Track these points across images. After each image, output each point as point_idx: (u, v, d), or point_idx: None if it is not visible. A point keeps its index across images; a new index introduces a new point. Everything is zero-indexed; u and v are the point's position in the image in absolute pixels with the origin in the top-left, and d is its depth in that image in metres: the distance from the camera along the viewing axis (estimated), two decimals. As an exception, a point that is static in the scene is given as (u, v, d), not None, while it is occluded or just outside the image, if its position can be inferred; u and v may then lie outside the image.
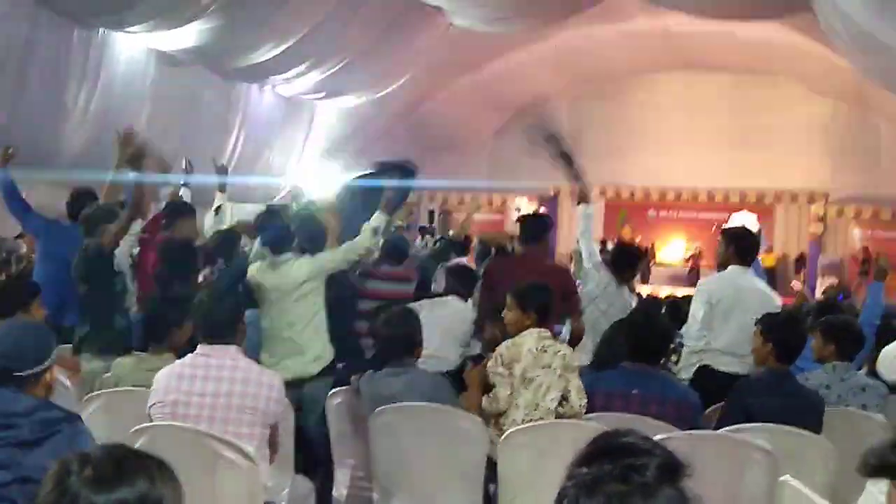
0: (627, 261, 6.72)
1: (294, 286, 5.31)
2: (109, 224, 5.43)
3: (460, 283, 6.77)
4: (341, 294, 6.00)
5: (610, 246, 22.83)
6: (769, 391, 4.36)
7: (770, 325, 4.55)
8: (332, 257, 5.53)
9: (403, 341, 4.48)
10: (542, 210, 24.70)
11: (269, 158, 18.35)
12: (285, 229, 5.62)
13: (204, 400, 3.63)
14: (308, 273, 5.31)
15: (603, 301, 6.20)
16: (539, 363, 4.42)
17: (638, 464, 1.33)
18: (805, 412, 4.26)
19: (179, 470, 3.32)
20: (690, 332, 5.51)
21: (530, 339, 4.45)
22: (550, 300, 4.66)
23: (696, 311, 5.56)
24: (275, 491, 4.17)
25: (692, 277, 22.79)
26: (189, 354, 3.80)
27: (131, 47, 12.88)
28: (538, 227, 6.38)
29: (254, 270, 5.42)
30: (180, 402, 3.63)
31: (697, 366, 5.44)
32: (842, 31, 13.89)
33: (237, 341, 3.83)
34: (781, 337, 4.49)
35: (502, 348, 4.46)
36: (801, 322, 4.70)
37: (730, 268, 5.69)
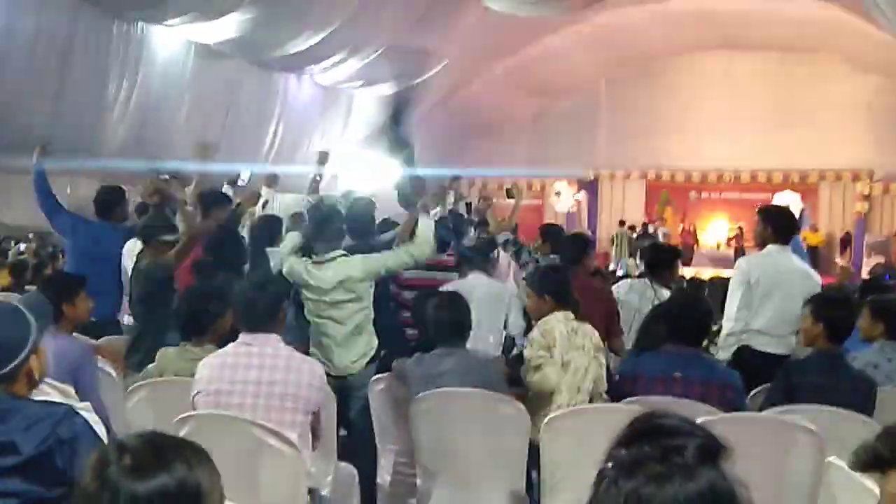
0: (663, 262, 6.66)
1: (344, 284, 5.20)
2: (168, 237, 5.51)
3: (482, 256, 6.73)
4: (383, 283, 6.02)
5: (652, 229, 22.75)
6: (820, 372, 4.31)
7: (820, 305, 4.46)
8: (385, 261, 5.37)
9: (452, 325, 4.50)
10: (583, 194, 24.63)
11: (309, 147, 18.40)
12: (336, 225, 5.50)
13: (247, 388, 3.64)
14: (362, 273, 5.22)
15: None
16: (573, 345, 4.43)
17: (677, 445, 1.32)
18: (857, 394, 4.20)
19: (223, 458, 3.36)
20: (728, 313, 5.46)
21: (558, 322, 4.45)
22: (563, 280, 4.70)
23: (734, 291, 5.51)
24: (318, 478, 4.20)
25: (737, 258, 22.57)
26: (231, 343, 3.82)
27: (170, 40, 12.98)
28: (577, 250, 6.32)
29: (300, 266, 5.31)
30: (223, 390, 3.65)
31: (736, 346, 5.39)
32: (884, 6, 13.67)
33: (278, 330, 3.84)
34: (832, 316, 4.40)
35: (536, 334, 4.46)
36: (851, 301, 4.61)
37: (768, 247, 5.64)
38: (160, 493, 1.57)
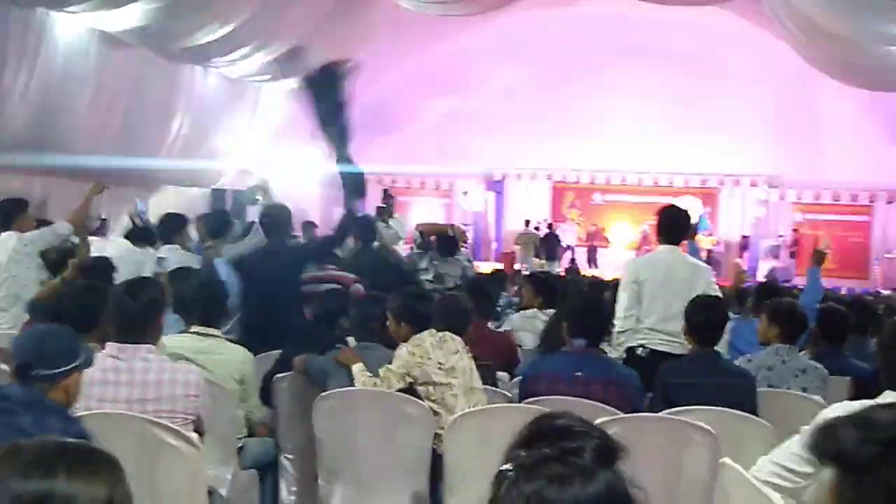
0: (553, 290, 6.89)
1: None
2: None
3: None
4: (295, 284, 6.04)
5: (558, 230, 23.01)
6: (695, 373, 4.44)
7: (688, 310, 4.66)
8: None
9: (374, 320, 4.59)
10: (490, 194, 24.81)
11: (214, 142, 18.15)
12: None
13: (117, 407, 3.49)
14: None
15: None
16: (449, 350, 4.43)
17: (575, 446, 1.33)
18: (734, 392, 4.35)
19: (122, 457, 3.30)
20: (618, 312, 5.53)
21: (427, 338, 4.45)
22: (423, 308, 4.70)
23: (622, 291, 5.60)
24: (218, 478, 4.15)
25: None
26: (99, 355, 3.56)
27: (72, 27, 12.63)
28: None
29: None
30: (92, 408, 3.45)
31: (627, 345, 5.47)
32: (784, 18, 14.10)
33: (153, 339, 3.69)
34: (697, 322, 4.59)
35: (404, 353, 4.40)
36: (715, 307, 4.75)
37: (659, 247, 5.75)
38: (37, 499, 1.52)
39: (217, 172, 19.30)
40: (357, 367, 4.36)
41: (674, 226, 5.81)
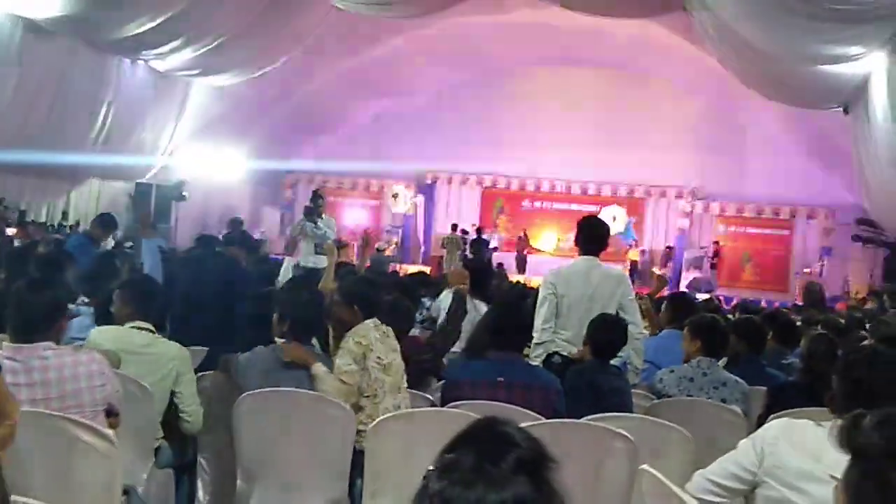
0: (482, 277, 6.93)
1: None
2: None
3: None
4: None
5: (488, 236, 23.08)
6: (581, 378, 4.71)
7: (591, 328, 4.92)
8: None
9: (307, 321, 4.52)
10: (420, 197, 24.82)
11: (141, 135, 17.86)
12: None
13: (22, 410, 3.28)
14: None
15: None
16: (389, 346, 4.45)
17: (496, 453, 1.33)
18: (614, 395, 4.63)
19: (35, 454, 3.23)
20: (536, 323, 5.55)
21: (372, 329, 4.45)
22: (373, 292, 4.72)
23: (541, 303, 5.62)
24: (135, 475, 4.07)
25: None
26: None
27: (-4, 14, 12.33)
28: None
29: None
30: None
31: (544, 355, 5.49)
32: (713, 33, 14.35)
33: (53, 339, 3.54)
34: (597, 340, 4.87)
35: (350, 344, 4.43)
36: (616, 329, 4.91)
37: (577, 258, 5.77)
38: None
39: (143, 167, 18.99)
40: (320, 369, 4.31)
41: (595, 236, 5.83)
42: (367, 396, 4.37)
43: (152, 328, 4.53)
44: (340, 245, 7.25)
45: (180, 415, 4.47)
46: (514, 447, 1.35)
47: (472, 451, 1.35)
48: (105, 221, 9.02)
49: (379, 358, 4.39)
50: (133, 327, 4.48)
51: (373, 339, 4.41)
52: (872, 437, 1.56)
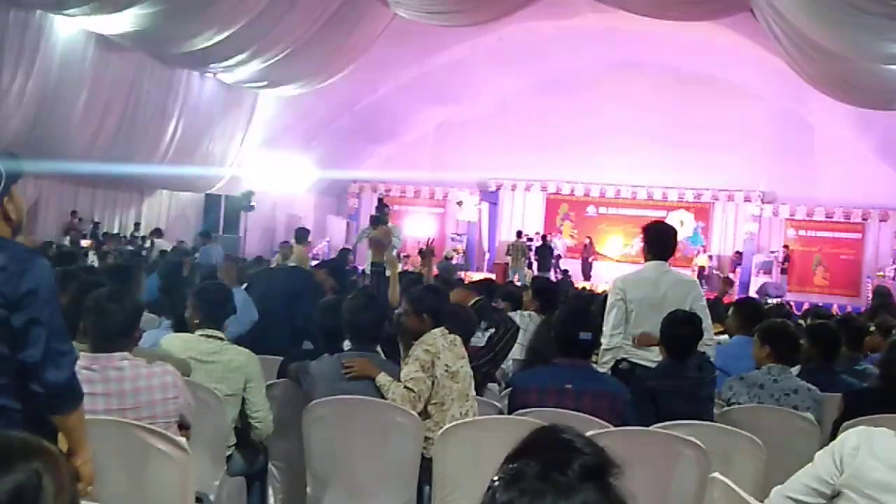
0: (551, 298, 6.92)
1: None
2: None
3: None
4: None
5: (551, 239, 23.00)
6: (671, 376, 4.64)
7: (664, 324, 4.82)
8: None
9: (369, 326, 4.55)
10: (484, 204, 24.84)
11: (209, 147, 18.15)
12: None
13: (97, 419, 3.37)
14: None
15: None
16: (457, 355, 4.46)
17: (561, 461, 1.33)
18: (698, 388, 4.61)
19: (111, 461, 3.29)
20: (605, 329, 5.50)
21: (439, 337, 4.47)
22: (441, 302, 4.73)
23: (609, 309, 5.56)
24: (206, 483, 4.13)
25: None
26: None
27: (69, 30, 12.64)
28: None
29: None
30: None
31: (612, 362, 5.45)
32: (780, 34, 14.15)
33: (129, 348, 3.62)
34: (671, 336, 4.77)
35: (419, 352, 4.45)
36: (690, 324, 4.81)
37: (646, 264, 5.70)
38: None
39: (212, 178, 19.29)
40: (384, 378, 4.35)
41: (663, 241, 5.78)
42: (435, 404, 4.38)
43: (221, 335, 4.59)
44: (427, 253, 7.24)
45: (250, 421, 4.51)
46: (579, 454, 1.35)
47: (537, 460, 1.35)
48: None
49: (447, 366, 4.40)
50: (202, 335, 4.55)
51: (440, 346, 4.43)
52: None
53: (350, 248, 16.04)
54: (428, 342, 4.45)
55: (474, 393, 4.55)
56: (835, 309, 15.63)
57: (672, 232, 5.94)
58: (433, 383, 4.38)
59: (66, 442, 2.86)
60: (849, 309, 15.33)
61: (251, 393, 4.49)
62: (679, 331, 4.73)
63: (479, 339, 5.79)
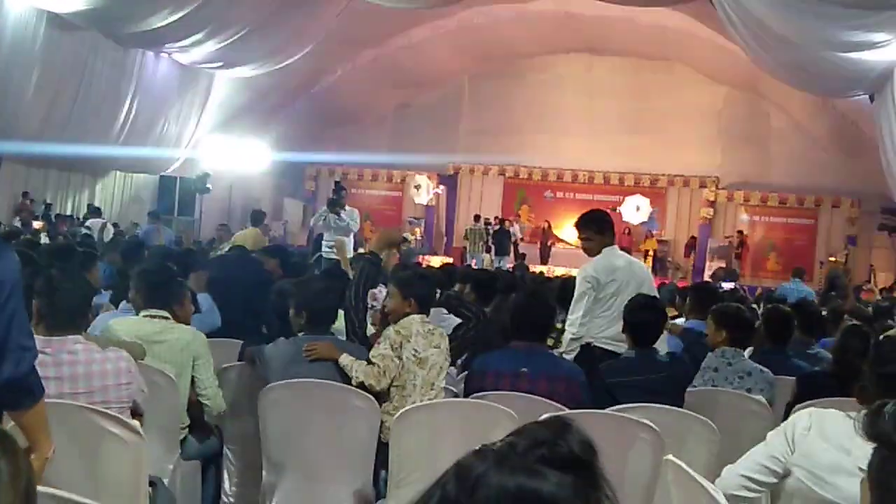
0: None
1: None
2: None
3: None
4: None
5: (509, 225, 23.05)
6: (635, 371, 4.53)
7: (627, 310, 4.75)
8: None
9: (327, 312, 4.56)
10: (442, 188, 24.83)
11: (164, 128, 17.94)
12: None
13: (49, 402, 3.22)
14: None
15: None
16: (430, 343, 4.45)
17: (547, 447, 1.33)
18: (669, 384, 4.48)
19: (63, 445, 3.25)
20: (572, 318, 5.52)
21: (416, 322, 4.47)
22: (430, 290, 4.71)
23: (580, 297, 5.57)
24: (160, 466, 4.10)
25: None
26: None
27: (20, 8, 12.40)
28: None
29: None
30: None
31: (579, 349, 5.47)
32: (736, 21, 14.25)
33: (81, 330, 3.57)
34: (635, 322, 4.68)
35: (390, 332, 4.45)
36: (653, 307, 4.81)
37: (608, 250, 5.73)
38: None
39: (167, 160, 19.08)
40: (346, 358, 4.33)
41: (612, 228, 5.87)
42: (397, 386, 4.38)
43: (166, 315, 4.53)
44: (404, 242, 7.15)
45: (199, 399, 4.47)
46: (555, 443, 1.35)
47: (516, 438, 1.36)
48: None
49: (416, 351, 4.40)
50: (147, 316, 4.50)
51: (414, 331, 4.43)
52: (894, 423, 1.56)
53: (262, 210, 15.84)
54: (403, 325, 4.45)
55: (443, 385, 4.53)
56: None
57: (605, 213, 6.03)
58: (400, 366, 4.38)
59: (25, 437, 2.81)
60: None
61: (199, 370, 4.45)
62: (642, 316, 4.69)
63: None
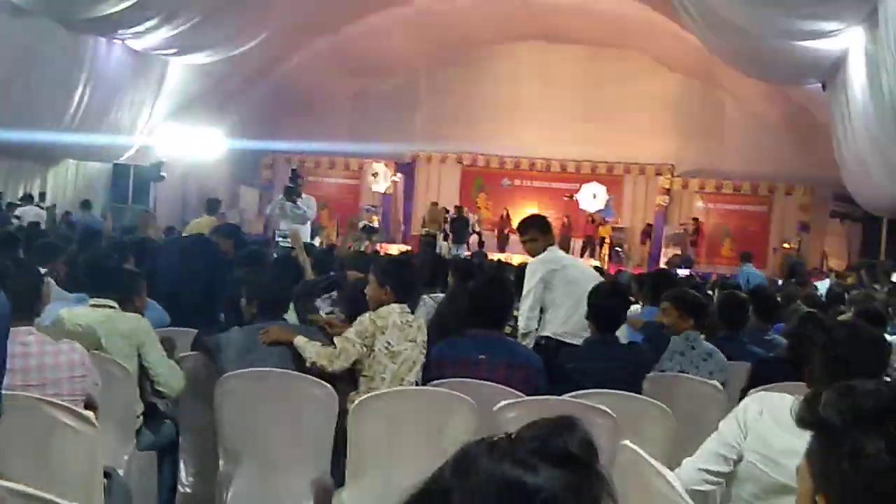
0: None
1: None
2: None
3: None
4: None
5: (468, 213, 23.07)
6: (594, 357, 4.55)
7: (591, 297, 4.82)
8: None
9: (281, 300, 4.56)
10: (399, 176, 24.76)
11: (117, 115, 17.69)
12: None
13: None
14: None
15: None
16: (406, 337, 4.44)
17: (547, 441, 1.34)
18: (628, 371, 4.53)
19: (16, 438, 3.20)
20: (522, 311, 5.60)
21: (393, 312, 4.45)
22: (408, 276, 4.70)
23: (530, 291, 5.67)
24: (115, 457, 4.06)
25: (563, 245, 23.34)
26: None
27: (-33, -7, 12.16)
28: None
29: None
30: None
31: (533, 343, 5.53)
32: (691, 9, 14.35)
33: (33, 319, 3.55)
34: (599, 308, 4.76)
35: (365, 319, 4.43)
36: (617, 294, 4.88)
37: (555, 248, 5.88)
38: None
39: (120, 147, 18.83)
40: (301, 340, 4.31)
41: (550, 228, 6.06)
42: (365, 377, 4.38)
43: (112, 304, 4.46)
44: (372, 231, 7.12)
45: (153, 383, 4.42)
46: (551, 438, 1.36)
47: (522, 431, 1.37)
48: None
49: (388, 343, 4.39)
50: (93, 305, 4.44)
51: (391, 322, 4.41)
52: (837, 407, 1.57)
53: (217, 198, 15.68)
54: (382, 314, 4.43)
55: (414, 380, 4.50)
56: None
57: (542, 216, 6.28)
58: (370, 356, 4.36)
59: None
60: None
61: (147, 355, 4.39)
62: (609, 301, 4.75)
63: None
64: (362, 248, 12.79)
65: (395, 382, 4.40)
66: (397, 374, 4.42)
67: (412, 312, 4.68)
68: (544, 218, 6.19)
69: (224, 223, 10.60)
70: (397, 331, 4.42)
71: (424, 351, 4.58)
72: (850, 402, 1.57)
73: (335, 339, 4.34)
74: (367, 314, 4.46)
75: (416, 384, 4.54)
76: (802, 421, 1.64)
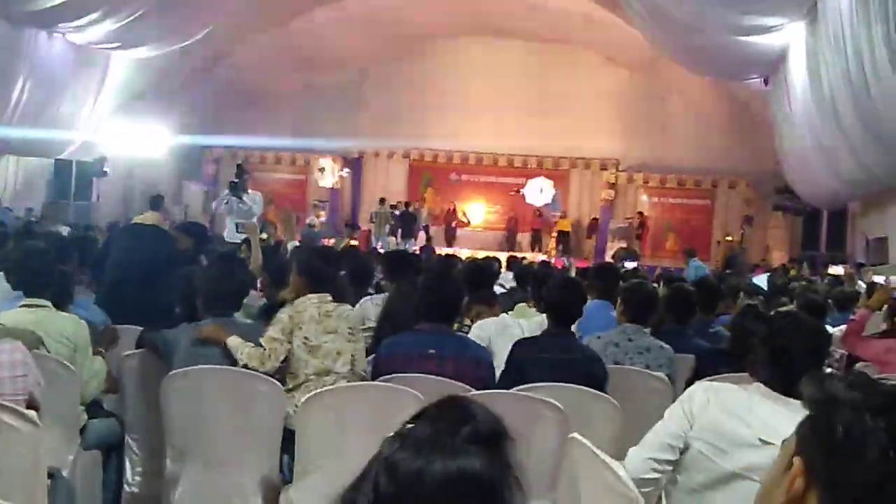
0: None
1: None
2: None
3: None
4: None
5: (416, 209, 23.05)
6: (547, 349, 4.54)
7: (547, 291, 4.79)
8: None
9: (229, 296, 4.50)
10: (347, 171, 24.66)
11: (58, 110, 17.38)
12: None
13: None
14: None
15: None
16: (325, 329, 4.41)
17: (452, 425, 1.34)
18: (583, 371, 4.44)
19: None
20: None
21: (311, 304, 4.43)
22: (321, 265, 4.69)
23: None
24: (59, 457, 4.00)
25: (510, 241, 23.49)
26: None
27: None
28: None
29: None
30: None
31: None
32: (636, 4, 14.47)
33: None
34: (554, 302, 4.70)
35: (283, 315, 4.41)
36: (573, 288, 4.86)
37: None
38: None
39: (62, 143, 18.52)
40: (234, 341, 4.26)
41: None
42: (291, 374, 4.36)
43: (46, 303, 4.38)
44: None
45: None
46: (471, 420, 1.36)
47: (430, 423, 1.36)
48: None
49: (306, 339, 4.36)
50: (25, 305, 4.36)
51: (307, 317, 4.38)
52: (848, 390, 1.56)
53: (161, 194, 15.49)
54: (298, 308, 4.41)
55: (345, 370, 4.47)
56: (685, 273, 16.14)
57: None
58: (290, 352, 4.35)
59: None
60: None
61: (77, 358, 4.33)
62: (564, 297, 4.69)
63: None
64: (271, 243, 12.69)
65: (321, 376, 4.38)
66: (322, 368, 4.39)
67: (334, 301, 4.64)
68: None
69: (189, 222, 10.45)
70: (314, 324, 4.40)
71: (358, 337, 4.57)
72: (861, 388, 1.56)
73: (261, 340, 4.30)
74: (284, 310, 4.44)
75: (365, 372, 4.53)
76: (812, 395, 1.63)
